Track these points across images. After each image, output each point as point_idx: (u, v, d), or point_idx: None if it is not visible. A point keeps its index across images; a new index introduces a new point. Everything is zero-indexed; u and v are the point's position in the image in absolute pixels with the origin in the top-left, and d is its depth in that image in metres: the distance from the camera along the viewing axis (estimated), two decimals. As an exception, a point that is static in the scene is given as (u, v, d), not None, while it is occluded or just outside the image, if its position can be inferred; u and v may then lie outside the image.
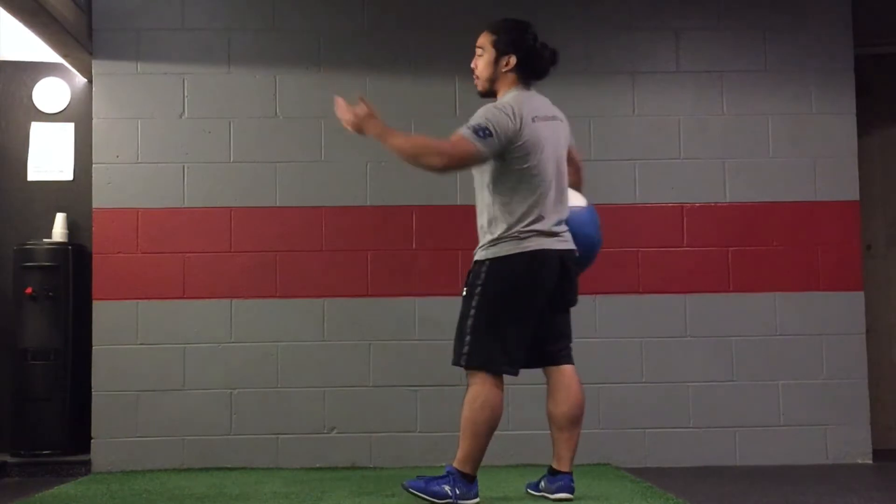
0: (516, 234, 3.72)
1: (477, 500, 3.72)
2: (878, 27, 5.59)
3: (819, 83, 5.37)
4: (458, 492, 3.67)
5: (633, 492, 4.15)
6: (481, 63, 3.88)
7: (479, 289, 3.75)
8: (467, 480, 3.70)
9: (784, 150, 5.34)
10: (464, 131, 3.67)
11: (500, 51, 3.83)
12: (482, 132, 3.64)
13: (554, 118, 3.88)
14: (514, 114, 3.70)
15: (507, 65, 3.83)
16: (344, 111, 3.81)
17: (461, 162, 3.70)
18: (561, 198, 3.84)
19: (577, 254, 3.89)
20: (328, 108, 5.21)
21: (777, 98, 5.36)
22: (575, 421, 3.82)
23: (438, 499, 3.67)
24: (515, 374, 3.78)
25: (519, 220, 3.72)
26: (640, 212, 5.27)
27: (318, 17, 5.32)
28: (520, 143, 3.70)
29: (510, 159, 3.71)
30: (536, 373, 3.91)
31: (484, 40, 3.89)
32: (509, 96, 3.80)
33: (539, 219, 3.73)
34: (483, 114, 3.71)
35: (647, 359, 5.22)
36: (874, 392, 5.33)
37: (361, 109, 3.78)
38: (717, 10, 5.40)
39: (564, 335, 3.92)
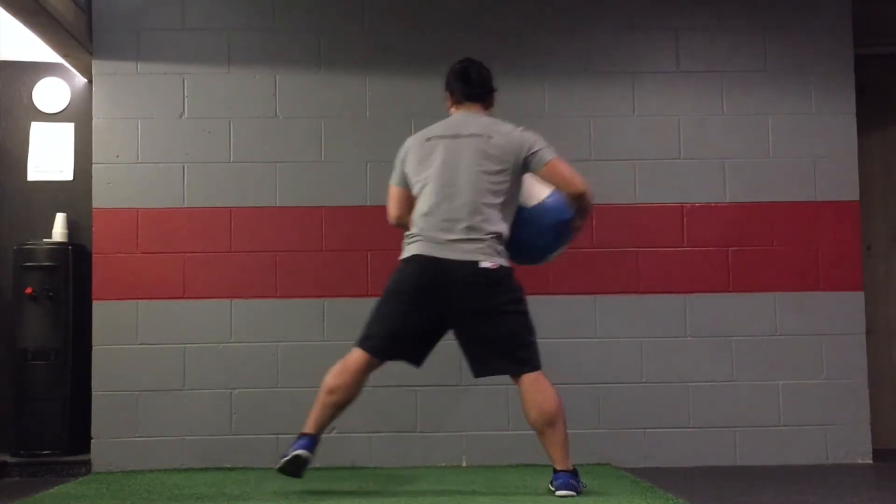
0: (407, 239, 4.11)
1: (296, 453, 4.06)
2: (878, 27, 5.58)
3: (819, 83, 5.37)
4: None
5: (633, 492, 4.15)
6: None
7: None
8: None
9: (784, 150, 5.34)
10: None
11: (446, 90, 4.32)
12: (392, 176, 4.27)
13: (457, 136, 4.09)
14: (402, 149, 4.23)
15: (447, 101, 4.32)
16: None
17: (391, 204, 4.25)
18: (457, 206, 3.98)
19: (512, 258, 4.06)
20: (328, 108, 5.28)
21: (777, 98, 5.36)
22: (546, 423, 3.91)
23: None
24: (366, 350, 4.04)
25: (413, 227, 4.09)
26: (640, 212, 5.27)
27: (318, 17, 5.31)
28: (407, 165, 4.16)
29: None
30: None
31: None
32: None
33: (425, 227, 4.03)
34: None
35: (647, 359, 5.22)
36: (874, 392, 5.32)
37: None
38: (717, 10, 5.39)
39: (502, 353, 3.96)
